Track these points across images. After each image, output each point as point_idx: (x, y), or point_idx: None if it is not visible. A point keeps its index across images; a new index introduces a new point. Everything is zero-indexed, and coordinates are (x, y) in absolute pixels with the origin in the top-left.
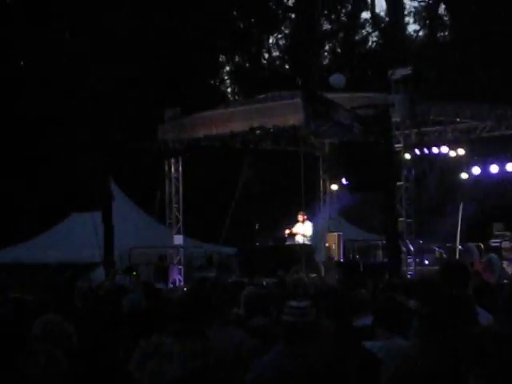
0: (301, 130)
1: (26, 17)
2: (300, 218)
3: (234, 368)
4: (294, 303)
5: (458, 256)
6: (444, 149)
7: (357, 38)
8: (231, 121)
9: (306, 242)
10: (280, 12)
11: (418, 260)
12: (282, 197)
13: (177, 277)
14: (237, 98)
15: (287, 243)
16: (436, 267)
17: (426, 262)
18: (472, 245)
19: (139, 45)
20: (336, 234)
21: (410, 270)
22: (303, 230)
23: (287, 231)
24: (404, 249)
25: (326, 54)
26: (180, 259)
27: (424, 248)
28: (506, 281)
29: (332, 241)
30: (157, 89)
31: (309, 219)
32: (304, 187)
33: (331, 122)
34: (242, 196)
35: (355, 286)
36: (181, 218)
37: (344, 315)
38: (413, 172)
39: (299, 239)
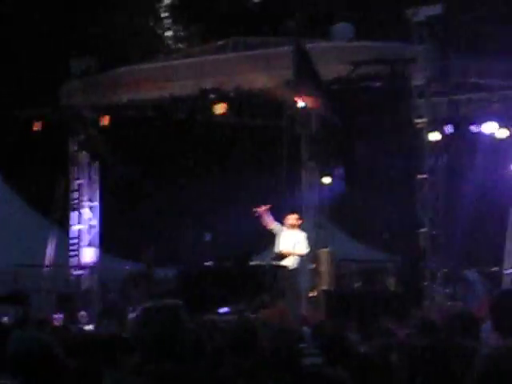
0: (275, 95)
1: None
2: (291, 221)
3: None
4: None
5: (504, 285)
6: (489, 126)
7: None
8: (172, 79)
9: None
10: None
11: (447, 291)
12: (246, 195)
13: (88, 310)
14: (181, 45)
15: (255, 263)
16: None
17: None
18: None
19: None
20: (326, 250)
21: (434, 305)
22: (297, 246)
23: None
24: (427, 274)
25: None
26: (92, 284)
27: (457, 273)
28: None
29: (320, 261)
30: (58, 29)
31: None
32: (279, 179)
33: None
34: (186, 191)
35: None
36: (96, 222)
37: None
38: (442, 160)
39: (290, 262)
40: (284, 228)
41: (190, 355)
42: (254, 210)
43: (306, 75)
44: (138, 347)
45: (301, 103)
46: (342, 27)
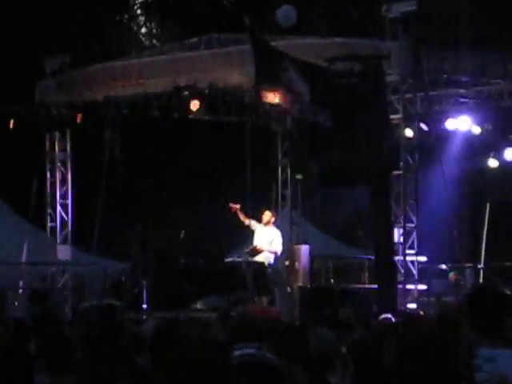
0: (249, 92)
1: None
2: (267, 218)
3: None
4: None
5: (481, 280)
6: (464, 122)
7: None
8: (146, 77)
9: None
10: None
11: (421, 287)
12: (221, 191)
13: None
14: (155, 42)
15: (229, 260)
16: (447, 298)
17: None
18: None
19: None
20: (301, 247)
21: (407, 300)
22: (273, 243)
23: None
24: (401, 270)
25: None
26: (67, 281)
27: (432, 269)
28: None
29: (295, 257)
30: (33, 26)
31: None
32: (254, 177)
33: (280, 86)
34: (159, 190)
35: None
36: (69, 219)
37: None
38: (416, 157)
39: (265, 258)
40: (260, 225)
41: (126, 355)
42: (230, 205)
43: (267, 68)
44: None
45: (271, 99)
46: (285, 11)
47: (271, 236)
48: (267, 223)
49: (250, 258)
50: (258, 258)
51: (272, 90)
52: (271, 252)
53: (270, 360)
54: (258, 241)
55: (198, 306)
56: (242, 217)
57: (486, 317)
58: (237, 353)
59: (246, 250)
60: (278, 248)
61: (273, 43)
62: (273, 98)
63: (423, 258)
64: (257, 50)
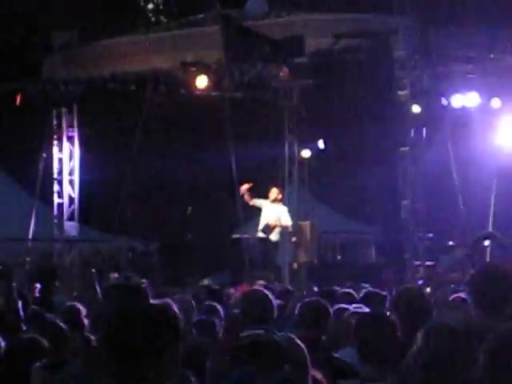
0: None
1: None
2: (274, 195)
3: None
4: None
5: (489, 255)
6: (471, 99)
7: None
8: (153, 52)
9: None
10: None
11: (429, 263)
12: (230, 168)
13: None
14: (163, 18)
15: (236, 236)
16: (455, 274)
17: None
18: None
19: None
20: (308, 223)
21: (416, 277)
22: (282, 219)
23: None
24: (409, 246)
25: None
26: (74, 258)
27: (439, 245)
28: None
29: (302, 233)
30: (40, 1)
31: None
32: (261, 153)
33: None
34: (166, 166)
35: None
36: (76, 196)
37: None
38: (424, 132)
39: (274, 236)
40: (267, 202)
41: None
42: (239, 189)
43: (238, 45)
44: (99, 325)
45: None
46: (254, 3)
47: (278, 212)
48: (274, 200)
49: (264, 235)
50: (271, 236)
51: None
52: (282, 226)
53: (274, 340)
54: (266, 217)
55: (206, 282)
56: (247, 197)
57: (489, 297)
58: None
59: (261, 228)
60: (288, 222)
61: (282, 19)
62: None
63: (430, 234)
64: (227, 29)
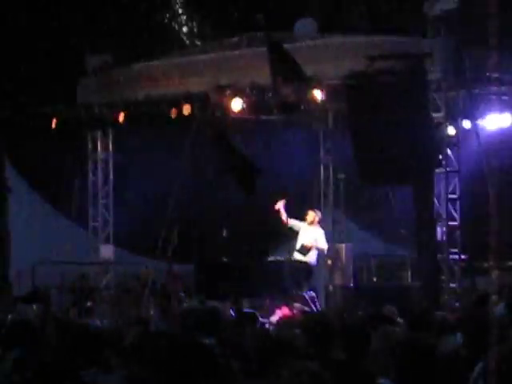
0: (292, 89)
1: None
2: (311, 218)
3: None
4: None
5: None
6: (505, 120)
7: None
8: (188, 75)
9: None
10: None
11: (465, 285)
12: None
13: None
14: (197, 42)
15: (274, 259)
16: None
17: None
18: None
19: None
20: (343, 245)
21: (451, 300)
22: (319, 241)
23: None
24: (444, 268)
25: None
26: (109, 280)
27: (475, 267)
28: None
29: (338, 256)
30: (74, 24)
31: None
32: (296, 176)
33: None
34: (201, 188)
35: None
36: (111, 219)
37: None
38: (459, 154)
39: (311, 257)
40: (304, 224)
41: None
42: (276, 206)
43: (282, 71)
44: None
45: (315, 98)
46: (303, 24)
47: (315, 235)
48: (311, 223)
49: (300, 257)
50: (306, 258)
51: (316, 86)
52: (318, 249)
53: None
54: (302, 240)
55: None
56: (284, 217)
57: None
58: None
59: (297, 249)
60: (324, 245)
61: (312, 42)
62: (317, 95)
63: (465, 256)
64: (272, 51)
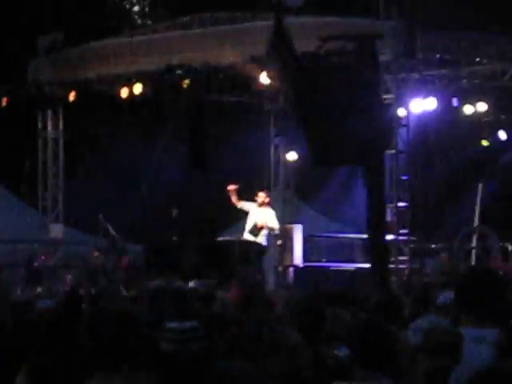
0: (244, 70)
1: None
2: (261, 199)
3: None
4: (174, 325)
5: (474, 259)
6: (456, 103)
7: None
8: (139, 55)
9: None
10: None
11: (414, 265)
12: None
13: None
14: (148, 21)
15: (223, 239)
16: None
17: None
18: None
19: None
20: (294, 226)
21: (400, 280)
22: (269, 221)
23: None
24: (394, 249)
25: None
26: (59, 260)
27: (424, 248)
28: None
29: (288, 236)
30: (26, 4)
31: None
32: (246, 156)
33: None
34: (152, 169)
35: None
36: (60, 198)
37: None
38: (409, 135)
39: (261, 238)
40: (254, 205)
41: None
42: (228, 188)
43: (279, 52)
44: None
45: (265, 79)
46: None
47: (266, 215)
48: (261, 204)
49: (251, 237)
50: (258, 238)
51: (265, 69)
52: (269, 228)
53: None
54: (253, 220)
55: (192, 284)
56: (234, 199)
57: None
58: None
59: (249, 229)
60: (275, 225)
61: (265, 22)
62: (265, 78)
63: (415, 238)
64: (276, 33)
